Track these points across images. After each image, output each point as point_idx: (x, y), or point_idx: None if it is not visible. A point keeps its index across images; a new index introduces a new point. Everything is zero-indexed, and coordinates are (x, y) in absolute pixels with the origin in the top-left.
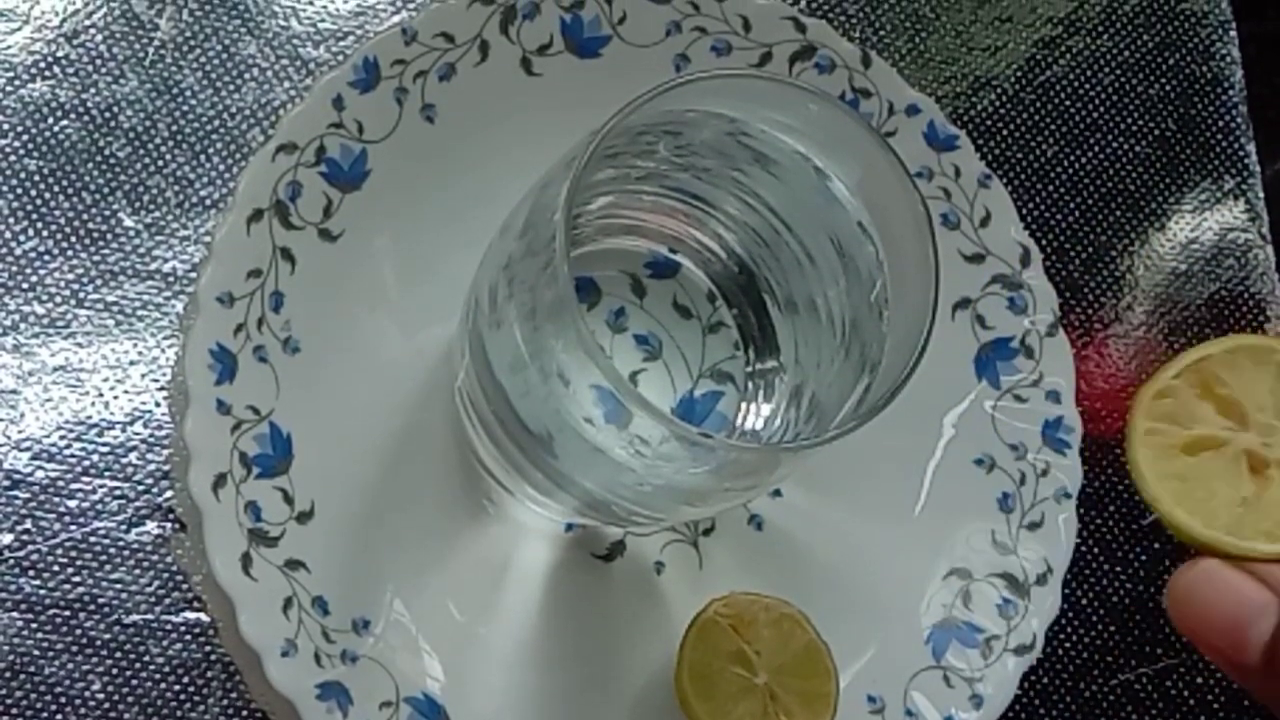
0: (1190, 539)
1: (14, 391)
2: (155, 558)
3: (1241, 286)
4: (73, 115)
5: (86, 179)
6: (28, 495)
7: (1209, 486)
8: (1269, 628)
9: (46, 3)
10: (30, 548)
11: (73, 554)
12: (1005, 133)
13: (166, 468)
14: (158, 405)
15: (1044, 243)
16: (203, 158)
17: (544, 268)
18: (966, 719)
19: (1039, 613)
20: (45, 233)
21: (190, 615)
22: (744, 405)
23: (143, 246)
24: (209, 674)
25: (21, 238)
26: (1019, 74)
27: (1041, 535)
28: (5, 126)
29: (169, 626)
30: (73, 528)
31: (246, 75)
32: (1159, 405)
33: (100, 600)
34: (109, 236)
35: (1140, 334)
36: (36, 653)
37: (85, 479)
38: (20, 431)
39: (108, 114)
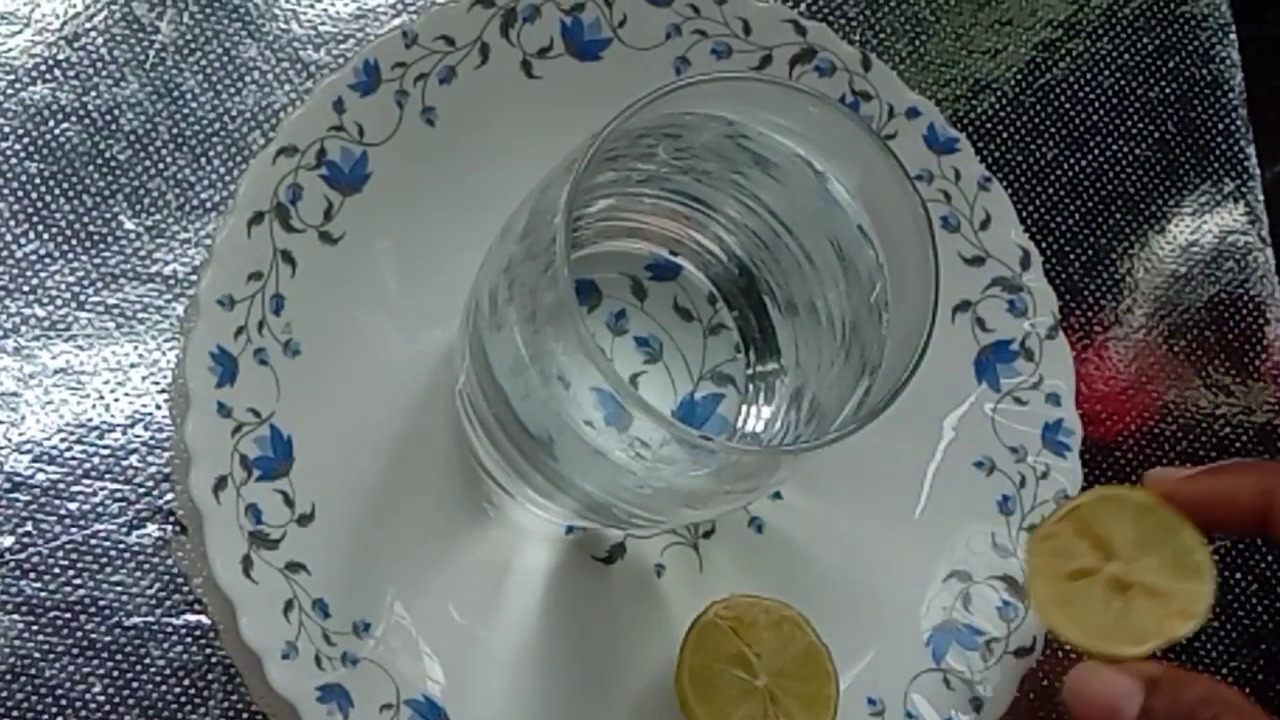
0: (1075, 646)
1: (15, 394)
2: (156, 560)
3: (1241, 289)
4: (73, 118)
5: (87, 182)
6: (29, 498)
7: (1087, 606)
8: (1136, 706)
9: (47, 6)
10: (31, 550)
11: (73, 556)
12: (1005, 135)
13: (167, 470)
14: (158, 408)
15: (1044, 245)
16: (203, 160)
17: (544, 270)
18: None
19: None
20: (46, 235)
21: (191, 618)
22: (744, 408)
23: (143, 249)
24: (209, 676)
25: (22, 240)
26: (1019, 77)
27: None
28: (6, 129)
29: (170, 629)
30: (73, 530)
31: (247, 78)
32: (1047, 545)
33: (101, 603)
34: (110, 239)
35: (1140, 336)
36: (37, 655)
37: (86, 481)
38: (21, 434)
39: (108, 117)
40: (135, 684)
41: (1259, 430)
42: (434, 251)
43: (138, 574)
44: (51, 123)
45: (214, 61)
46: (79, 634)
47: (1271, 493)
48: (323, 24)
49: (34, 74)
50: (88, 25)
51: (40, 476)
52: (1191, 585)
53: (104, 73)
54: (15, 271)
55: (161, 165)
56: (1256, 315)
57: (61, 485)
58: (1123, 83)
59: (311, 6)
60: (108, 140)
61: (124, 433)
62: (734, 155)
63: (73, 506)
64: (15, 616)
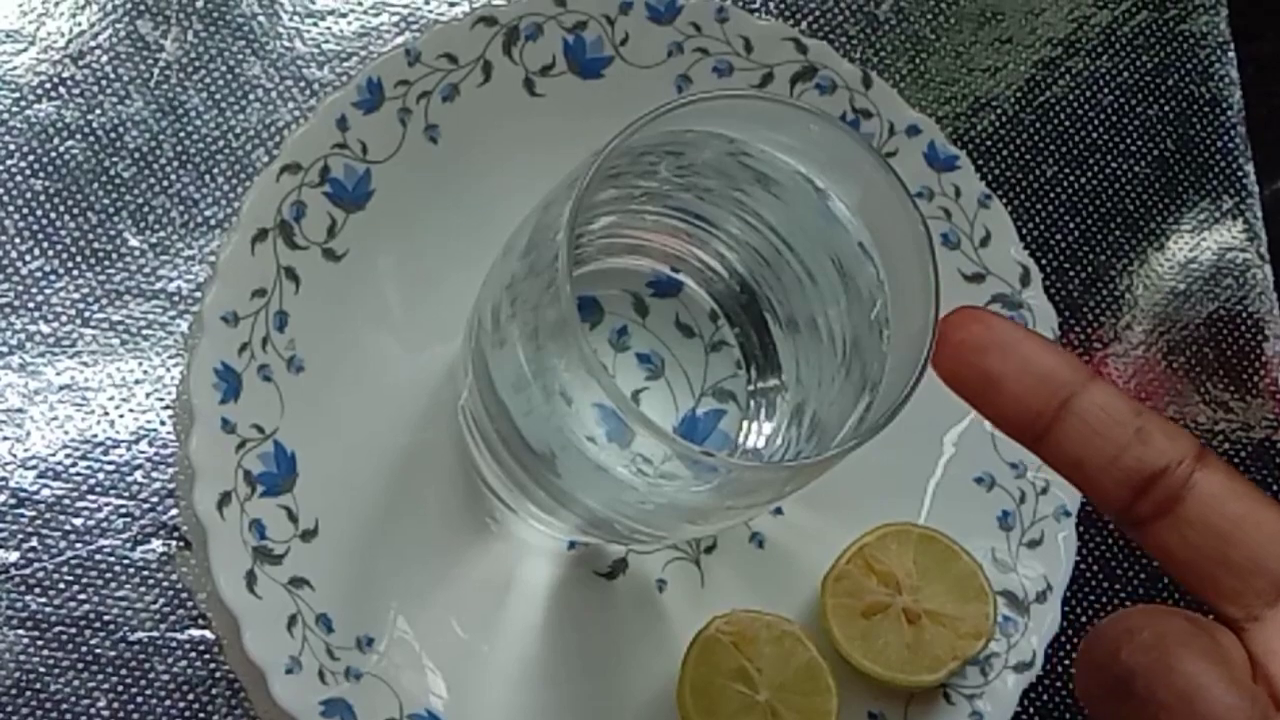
0: (876, 679)
1: (20, 410)
2: (160, 575)
3: (1240, 305)
4: (78, 136)
5: (92, 199)
6: (34, 513)
7: (883, 639)
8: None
9: (52, 24)
10: (36, 565)
11: (78, 572)
12: (1005, 153)
13: (171, 486)
14: (163, 424)
15: (1043, 262)
16: (207, 178)
17: (546, 287)
18: None
19: (1039, 630)
20: (51, 252)
21: (195, 633)
22: (746, 424)
23: (148, 266)
24: (214, 691)
25: (28, 257)
26: (1019, 95)
27: (1041, 553)
28: (12, 147)
29: (174, 644)
30: (78, 545)
31: (251, 96)
32: (839, 585)
33: (106, 618)
34: (114, 256)
35: (1139, 353)
36: (42, 670)
37: (91, 497)
38: (26, 450)
39: (113, 134)
40: (140, 699)
41: (1257, 446)
42: (436, 268)
43: (142, 589)
44: (56, 140)
45: (218, 79)
46: (84, 649)
47: (1070, 398)
48: (326, 42)
49: (39, 92)
50: (93, 43)
51: (45, 492)
52: (975, 606)
53: (109, 90)
54: (21, 288)
55: (166, 183)
56: (1255, 332)
57: (66, 501)
58: (1122, 100)
59: (315, 25)
60: (112, 158)
61: (128, 448)
62: (735, 172)
63: (78, 522)
64: (21, 631)
